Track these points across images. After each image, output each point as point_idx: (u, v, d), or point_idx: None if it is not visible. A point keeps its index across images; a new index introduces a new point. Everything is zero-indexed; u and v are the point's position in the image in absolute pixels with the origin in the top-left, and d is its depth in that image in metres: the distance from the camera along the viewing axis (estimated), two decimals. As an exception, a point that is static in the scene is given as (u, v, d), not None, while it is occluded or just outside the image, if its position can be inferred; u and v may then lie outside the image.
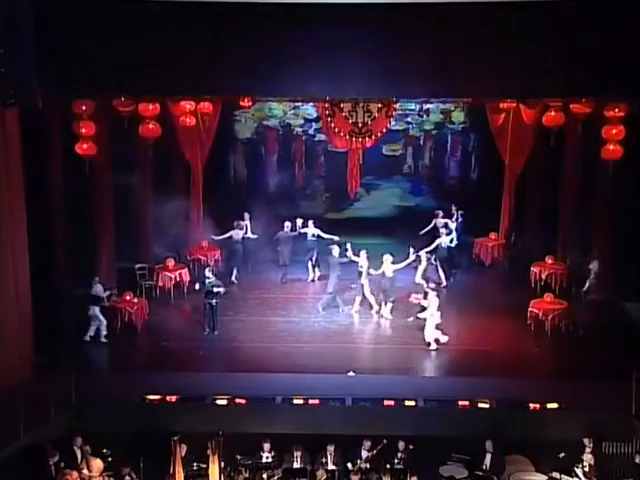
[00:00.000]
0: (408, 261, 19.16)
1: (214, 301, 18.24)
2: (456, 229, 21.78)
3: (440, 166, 25.59)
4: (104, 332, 17.93)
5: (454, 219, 22.02)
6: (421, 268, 19.28)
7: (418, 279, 19.21)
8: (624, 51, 14.87)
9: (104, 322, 17.94)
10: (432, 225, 21.87)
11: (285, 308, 19.69)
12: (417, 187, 25.32)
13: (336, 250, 19.38)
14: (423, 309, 17.94)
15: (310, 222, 21.53)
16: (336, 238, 20.79)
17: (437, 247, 20.53)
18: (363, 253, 19.24)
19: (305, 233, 21.54)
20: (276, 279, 21.31)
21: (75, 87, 15.78)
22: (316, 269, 21.29)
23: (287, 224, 21.40)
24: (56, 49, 15.12)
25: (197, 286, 18.77)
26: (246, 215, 21.56)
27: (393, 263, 18.90)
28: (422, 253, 19.40)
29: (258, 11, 14.89)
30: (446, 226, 21.09)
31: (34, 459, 13.91)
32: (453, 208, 22.25)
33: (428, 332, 17.57)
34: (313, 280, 21.35)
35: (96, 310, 17.91)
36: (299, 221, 21.69)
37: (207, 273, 18.56)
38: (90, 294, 18.03)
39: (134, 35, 15.10)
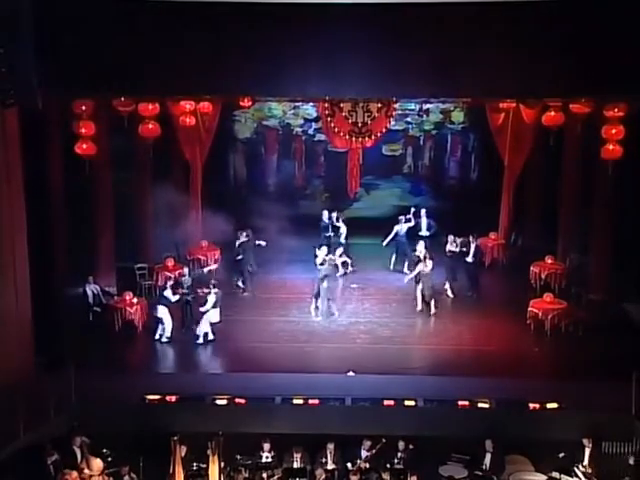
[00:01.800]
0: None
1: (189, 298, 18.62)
2: (428, 229, 21.92)
3: (440, 166, 25.54)
4: (167, 333, 18.10)
5: (423, 223, 22.14)
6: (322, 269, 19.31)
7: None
8: (624, 51, 14.87)
9: (170, 323, 18.09)
10: (394, 233, 21.81)
11: (285, 308, 19.68)
12: (417, 187, 25.28)
13: None
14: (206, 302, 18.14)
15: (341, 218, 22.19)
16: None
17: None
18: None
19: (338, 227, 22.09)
20: (276, 279, 21.32)
21: (75, 87, 15.77)
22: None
23: (325, 213, 22.19)
24: (56, 49, 15.13)
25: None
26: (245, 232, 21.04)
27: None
28: (329, 256, 19.51)
29: (258, 11, 14.90)
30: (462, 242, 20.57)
31: (34, 459, 13.90)
32: (411, 211, 22.25)
33: (201, 326, 17.83)
34: (345, 273, 21.54)
35: (164, 310, 18.11)
36: (334, 215, 22.23)
37: (184, 271, 19.07)
38: (161, 294, 18.39)
39: (134, 35, 15.11)
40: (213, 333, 17.92)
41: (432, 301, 19.31)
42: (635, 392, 14.83)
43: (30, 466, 13.84)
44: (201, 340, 17.83)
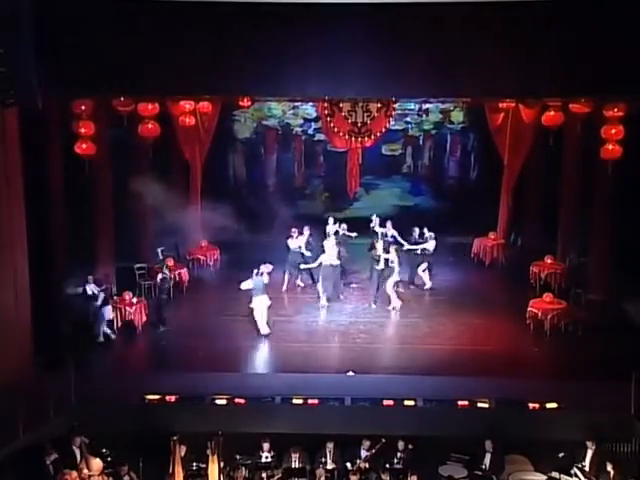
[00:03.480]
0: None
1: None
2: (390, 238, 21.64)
3: (439, 166, 25.53)
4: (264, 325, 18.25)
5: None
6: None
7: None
8: (623, 50, 14.88)
9: (265, 313, 18.22)
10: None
11: (285, 308, 19.69)
12: (416, 187, 25.28)
13: None
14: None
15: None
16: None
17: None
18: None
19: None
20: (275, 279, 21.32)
21: (75, 87, 15.79)
22: None
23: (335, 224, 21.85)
24: (56, 49, 15.14)
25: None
26: (306, 229, 20.93)
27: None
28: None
29: (258, 11, 14.91)
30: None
31: (33, 459, 13.90)
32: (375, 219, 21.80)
33: (101, 326, 18.08)
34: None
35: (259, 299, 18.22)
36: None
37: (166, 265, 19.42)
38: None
39: (134, 35, 15.13)
40: (114, 332, 18.06)
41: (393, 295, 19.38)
42: (635, 392, 14.82)
43: (29, 466, 13.84)
44: (102, 339, 17.88)
